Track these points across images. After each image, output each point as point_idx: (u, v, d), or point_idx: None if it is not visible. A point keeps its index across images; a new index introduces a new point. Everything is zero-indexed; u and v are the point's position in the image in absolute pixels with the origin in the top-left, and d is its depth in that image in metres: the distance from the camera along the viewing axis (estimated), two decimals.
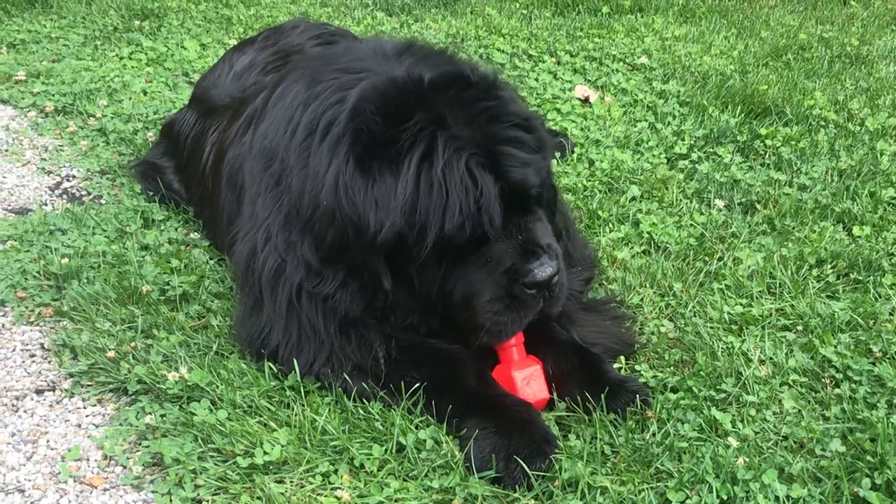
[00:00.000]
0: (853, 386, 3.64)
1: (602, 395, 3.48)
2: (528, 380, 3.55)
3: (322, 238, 3.53)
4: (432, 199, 3.31)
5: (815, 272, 4.41)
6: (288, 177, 3.70)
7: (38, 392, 3.80)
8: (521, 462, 3.19)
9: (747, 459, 3.23)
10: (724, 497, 3.11)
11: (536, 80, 7.10)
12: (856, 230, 4.79)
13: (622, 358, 3.84)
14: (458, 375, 3.54)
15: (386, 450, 3.34)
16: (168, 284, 4.31)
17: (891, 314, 4.09)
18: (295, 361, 3.62)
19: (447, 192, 3.30)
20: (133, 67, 7.44)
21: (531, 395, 3.53)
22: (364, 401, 3.55)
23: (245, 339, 3.84)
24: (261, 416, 3.48)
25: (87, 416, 3.67)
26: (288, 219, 3.69)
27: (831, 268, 4.43)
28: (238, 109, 4.62)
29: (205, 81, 5.50)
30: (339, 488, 3.20)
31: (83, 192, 5.51)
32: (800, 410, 3.54)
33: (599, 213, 4.97)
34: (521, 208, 3.49)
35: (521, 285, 3.42)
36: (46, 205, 5.32)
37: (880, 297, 4.23)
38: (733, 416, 3.48)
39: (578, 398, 3.52)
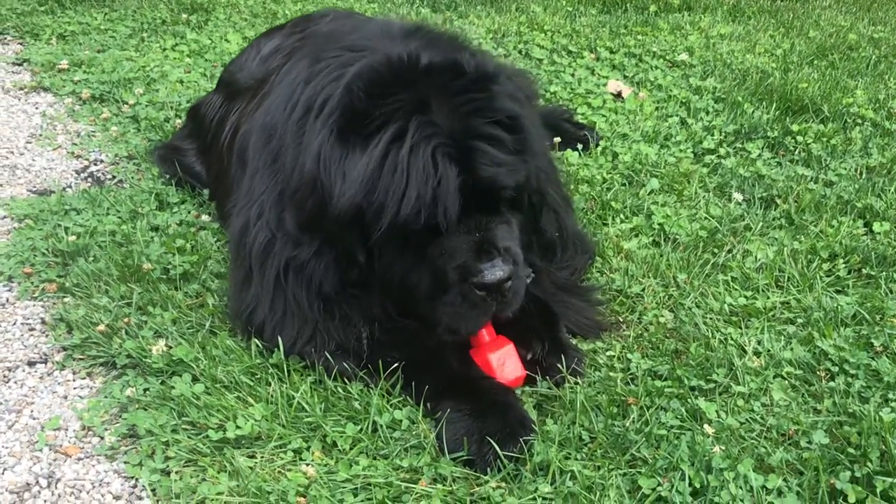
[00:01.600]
0: (848, 380, 3.53)
1: (542, 350, 3.52)
2: (502, 360, 3.50)
3: (302, 206, 3.53)
4: (393, 180, 3.27)
5: (825, 266, 4.29)
6: (284, 153, 3.70)
7: (31, 364, 3.84)
8: (494, 444, 3.14)
9: (724, 448, 3.14)
10: (697, 485, 3.03)
11: (572, 75, 7.02)
12: (876, 226, 4.65)
13: (617, 346, 3.77)
14: (438, 358, 3.51)
15: (361, 429, 3.31)
16: (170, 264, 4.33)
17: None
18: (279, 338, 3.61)
19: (408, 175, 3.25)
20: (174, 59, 7.53)
21: (507, 374, 3.49)
22: (345, 380, 3.53)
23: (233, 314, 3.85)
24: (240, 391, 3.48)
25: (74, 388, 3.70)
26: (281, 196, 3.69)
27: (844, 262, 4.31)
28: (257, 89, 4.64)
29: (232, 66, 5.53)
30: (308, 464, 3.17)
31: (108, 176, 5.57)
32: (790, 402, 3.43)
33: (613, 203, 4.89)
34: (486, 207, 3.40)
35: (471, 285, 3.34)
36: (70, 187, 5.39)
37: (891, 293, 4.11)
38: (720, 406, 3.39)
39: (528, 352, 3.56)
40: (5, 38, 8.27)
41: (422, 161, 3.25)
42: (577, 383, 3.51)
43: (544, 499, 3.05)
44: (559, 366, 3.53)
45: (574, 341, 3.80)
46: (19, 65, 7.53)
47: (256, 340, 3.69)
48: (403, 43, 3.73)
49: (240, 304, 3.80)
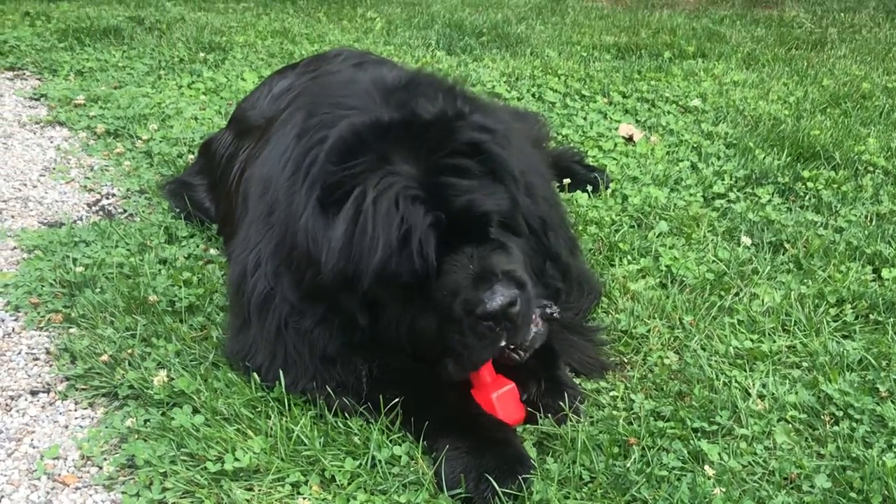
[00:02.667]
0: (853, 424, 3.49)
1: (540, 389, 3.52)
2: (504, 399, 3.48)
3: (301, 278, 3.55)
4: (364, 237, 3.26)
5: (832, 311, 4.27)
6: (278, 209, 3.70)
7: (33, 393, 3.84)
8: (492, 481, 3.12)
9: (725, 490, 3.11)
10: None
11: (584, 118, 7.06)
12: (884, 272, 4.62)
13: (620, 386, 3.75)
14: (437, 394, 3.50)
15: (359, 464, 3.29)
16: (176, 296, 4.34)
17: None
18: (281, 374, 3.60)
19: (373, 228, 3.24)
20: (190, 96, 7.61)
21: (510, 413, 3.47)
22: (346, 416, 3.52)
23: (231, 354, 3.85)
24: (240, 423, 3.47)
25: (75, 418, 3.70)
26: (277, 248, 3.70)
27: (851, 308, 4.28)
28: (266, 129, 4.66)
29: (245, 103, 5.57)
30: (306, 498, 3.16)
31: (119, 210, 5.60)
32: (793, 446, 3.40)
33: (621, 245, 4.89)
34: (473, 237, 3.37)
35: (476, 317, 3.27)
36: (81, 220, 5.42)
37: None
38: (722, 448, 3.36)
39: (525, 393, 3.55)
40: (24, 74, 8.38)
41: (383, 210, 3.24)
42: (578, 422, 3.48)
43: None
44: (558, 405, 3.51)
45: (577, 380, 3.78)
46: (36, 99, 7.63)
47: (256, 375, 3.68)
48: (391, 97, 3.67)
49: (239, 346, 3.81)
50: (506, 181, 3.49)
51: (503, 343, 3.35)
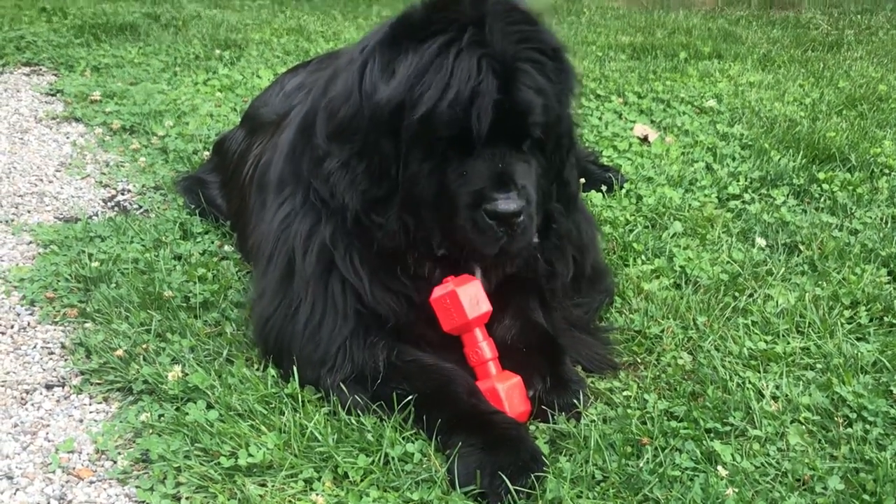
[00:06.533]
0: (866, 426, 3.48)
1: (545, 385, 3.56)
2: (510, 392, 3.51)
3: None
4: (437, 76, 3.37)
5: (847, 313, 4.26)
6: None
7: (48, 387, 3.86)
8: (506, 479, 3.12)
9: (738, 491, 3.10)
10: None
11: (600, 118, 7.06)
12: None
13: (633, 385, 3.75)
14: (449, 391, 3.50)
15: (372, 461, 3.29)
16: (191, 292, 4.35)
17: None
18: (295, 371, 3.64)
19: (451, 74, 3.36)
20: (205, 93, 7.63)
21: (515, 406, 3.50)
22: (359, 412, 3.52)
23: (263, 319, 3.87)
24: (253, 419, 3.47)
25: (90, 412, 3.72)
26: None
27: (866, 310, 4.27)
28: (280, 125, 4.68)
29: (257, 101, 5.59)
30: (319, 494, 3.16)
31: (134, 206, 5.62)
32: (806, 448, 3.39)
33: (635, 245, 4.89)
34: (514, 136, 3.49)
35: (483, 211, 3.42)
36: (97, 215, 5.44)
37: None
38: (735, 449, 3.36)
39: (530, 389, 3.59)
40: (40, 69, 8.42)
41: (468, 65, 3.36)
42: (592, 421, 3.49)
43: None
44: (563, 401, 3.54)
45: (590, 380, 3.78)
46: (53, 95, 7.67)
47: (272, 372, 3.70)
48: None
49: (276, 306, 3.84)
50: (562, 97, 3.65)
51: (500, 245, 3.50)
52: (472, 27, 3.41)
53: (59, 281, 4.53)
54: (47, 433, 3.58)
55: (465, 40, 3.39)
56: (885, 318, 4.25)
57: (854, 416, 3.55)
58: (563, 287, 3.98)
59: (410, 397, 3.46)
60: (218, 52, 8.79)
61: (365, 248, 3.66)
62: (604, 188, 5.62)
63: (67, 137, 6.70)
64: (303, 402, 3.57)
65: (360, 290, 3.67)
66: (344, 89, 3.63)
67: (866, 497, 3.07)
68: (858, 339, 4.09)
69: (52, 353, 4.09)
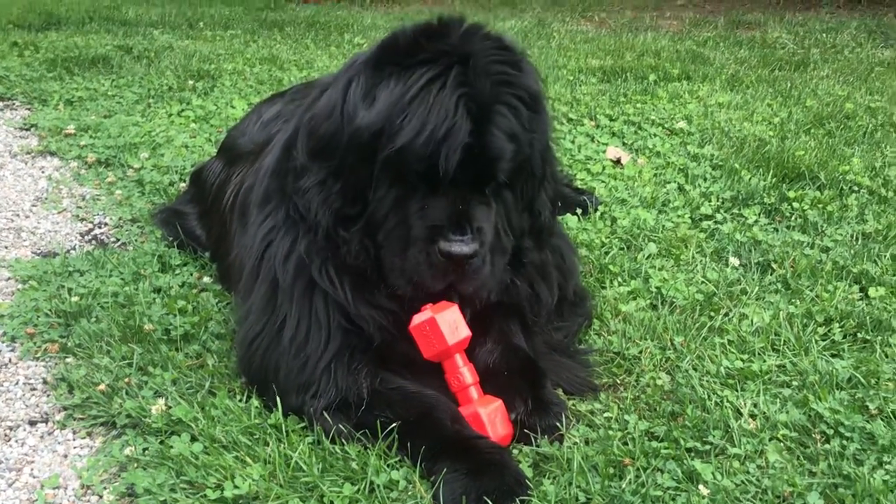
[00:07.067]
0: (844, 442, 3.54)
1: (526, 408, 3.59)
2: (492, 416, 3.54)
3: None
4: (418, 110, 3.39)
5: (821, 330, 4.32)
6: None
7: (32, 423, 3.87)
8: (491, 503, 3.15)
9: None
10: None
11: (572, 142, 7.13)
12: (871, 291, 4.69)
13: (614, 407, 3.79)
14: (433, 417, 3.53)
15: (358, 489, 3.32)
16: (171, 325, 4.37)
17: (894, 373, 3.98)
18: (279, 401, 3.65)
19: (429, 111, 3.38)
20: (180, 124, 7.65)
21: (498, 430, 3.53)
22: (343, 441, 3.54)
23: (248, 340, 3.89)
24: (238, 451, 3.49)
25: (74, 447, 3.72)
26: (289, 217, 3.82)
27: (839, 327, 4.34)
28: (259, 154, 4.70)
29: (234, 131, 5.61)
30: None
31: (112, 239, 5.63)
32: (785, 464, 3.44)
33: (611, 267, 4.95)
34: (479, 177, 3.52)
35: (437, 248, 3.46)
36: (74, 249, 5.45)
37: (886, 357, 4.13)
38: (715, 467, 3.41)
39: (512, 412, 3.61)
40: (13, 104, 8.42)
41: (446, 104, 3.38)
42: (574, 444, 3.53)
43: None
44: (545, 423, 3.58)
45: (571, 402, 3.82)
46: (27, 129, 7.67)
47: (255, 402, 3.71)
48: None
49: (262, 322, 3.86)
50: (538, 140, 3.68)
51: (448, 282, 3.56)
52: (458, 66, 3.45)
53: (39, 316, 4.54)
54: (32, 469, 3.59)
55: (450, 78, 3.42)
56: (859, 335, 4.32)
57: (831, 432, 3.60)
58: (546, 313, 4.03)
59: (394, 425, 3.48)
60: (191, 82, 8.82)
61: (338, 262, 3.71)
62: (579, 211, 5.68)
63: (43, 172, 6.70)
64: (287, 432, 3.59)
65: (345, 305, 3.71)
66: (326, 106, 3.66)
67: None
68: (833, 356, 4.15)
69: (34, 389, 4.09)
